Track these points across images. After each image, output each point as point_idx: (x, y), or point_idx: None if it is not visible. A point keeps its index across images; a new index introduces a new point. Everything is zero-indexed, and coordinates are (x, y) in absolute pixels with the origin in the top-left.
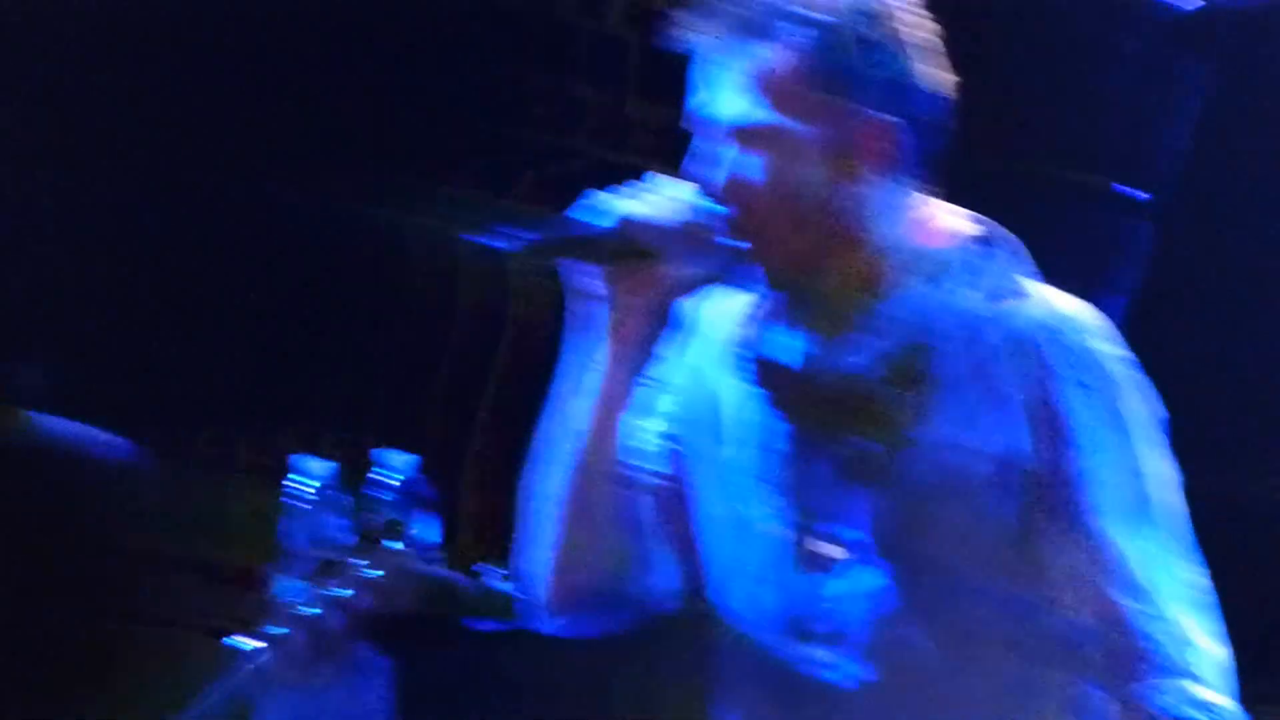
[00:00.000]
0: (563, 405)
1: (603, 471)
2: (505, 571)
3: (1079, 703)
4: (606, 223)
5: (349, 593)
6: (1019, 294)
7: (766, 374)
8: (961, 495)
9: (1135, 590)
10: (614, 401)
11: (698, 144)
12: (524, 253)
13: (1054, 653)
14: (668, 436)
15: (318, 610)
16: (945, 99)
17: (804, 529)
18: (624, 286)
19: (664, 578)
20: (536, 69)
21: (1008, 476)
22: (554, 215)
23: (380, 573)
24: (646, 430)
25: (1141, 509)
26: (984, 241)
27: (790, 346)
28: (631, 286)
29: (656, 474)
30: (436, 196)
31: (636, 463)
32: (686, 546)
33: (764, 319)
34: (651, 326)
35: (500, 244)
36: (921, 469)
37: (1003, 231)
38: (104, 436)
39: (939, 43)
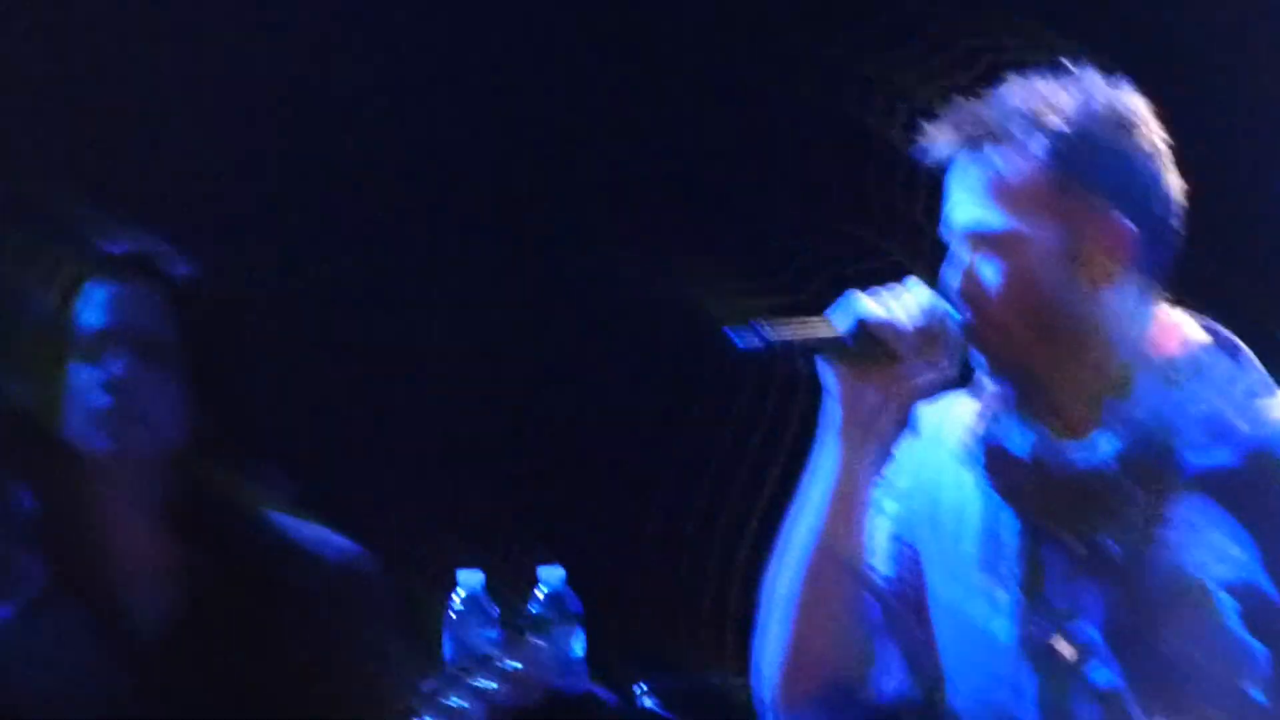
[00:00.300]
0: (804, 504)
1: (838, 571)
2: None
3: None
4: (849, 323)
5: (493, 685)
6: (1260, 402)
7: (1000, 469)
8: (1195, 599)
9: None
10: (850, 501)
11: (950, 251)
12: (769, 349)
13: None
14: (899, 537)
15: (465, 703)
16: (1180, 206)
17: (1039, 626)
18: (862, 386)
19: (895, 680)
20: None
21: (1241, 582)
22: (807, 315)
23: (520, 665)
24: (880, 530)
25: None
26: (1218, 348)
27: (1025, 442)
28: (869, 386)
29: (889, 575)
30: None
31: (870, 562)
32: (918, 649)
33: (997, 416)
34: (888, 427)
35: (750, 340)
36: (1157, 569)
37: (1232, 337)
38: (338, 539)
39: (1171, 152)
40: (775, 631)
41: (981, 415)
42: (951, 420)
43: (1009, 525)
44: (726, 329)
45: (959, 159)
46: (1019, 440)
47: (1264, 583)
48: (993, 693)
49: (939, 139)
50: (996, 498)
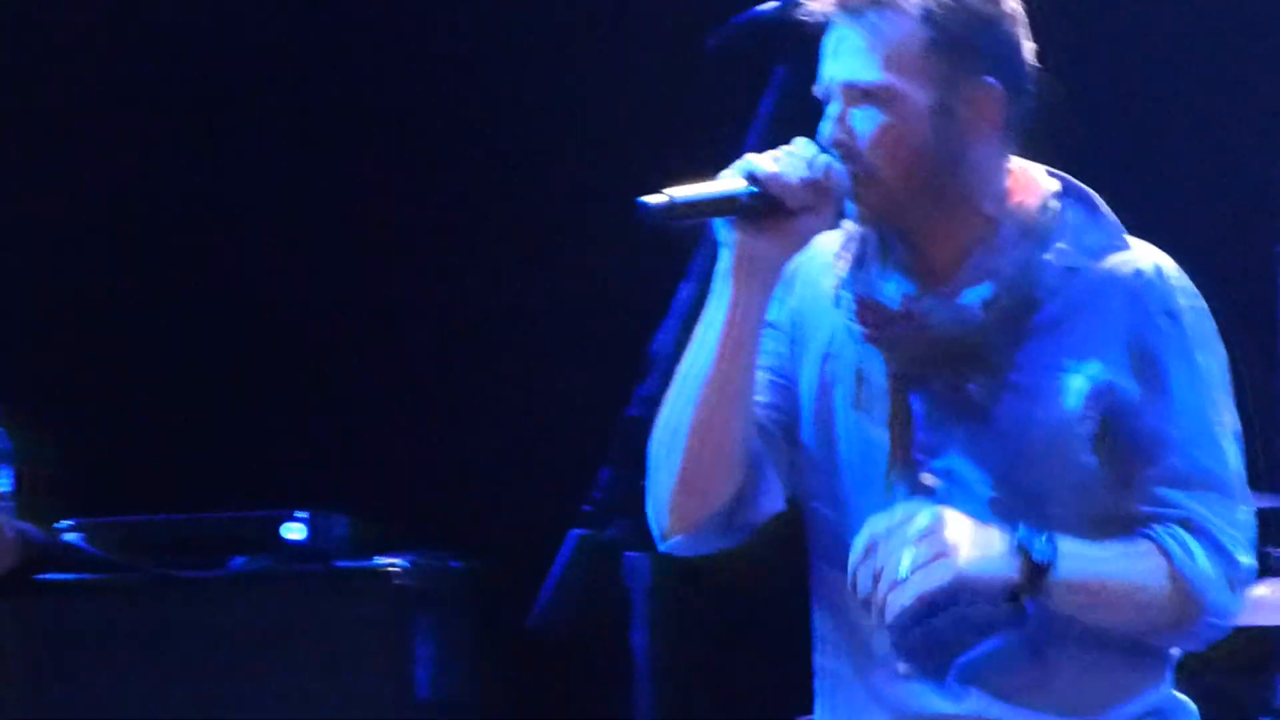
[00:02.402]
0: (698, 347)
1: (729, 405)
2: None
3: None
4: (742, 179)
5: None
6: (1113, 246)
7: (870, 317)
8: (1052, 436)
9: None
10: (741, 341)
11: (828, 108)
12: (669, 210)
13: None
14: (776, 369)
15: None
16: (1036, 68)
17: (906, 462)
18: (754, 237)
19: (772, 499)
20: None
21: (1095, 417)
22: (706, 178)
23: None
24: (761, 367)
25: (1212, 468)
26: (1068, 195)
27: (894, 292)
28: (761, 237)
29: (766, 402)
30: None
31: (755, 398)
32: (790, 470)
33: (863, 264)
34: (776, 274)
35: (658, 205)
36: (1016, 409)
37: (1081, 185)
38: None
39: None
40: (667, 466)
41: (849, 263)
42: (820, 265)
43: (878, 369)
44: (638, 199)
45: (837, 20)
46: (889, 291)
47: (1118, 412)
48: (860, 516)
49: (819, 2)
50: (867, 339)
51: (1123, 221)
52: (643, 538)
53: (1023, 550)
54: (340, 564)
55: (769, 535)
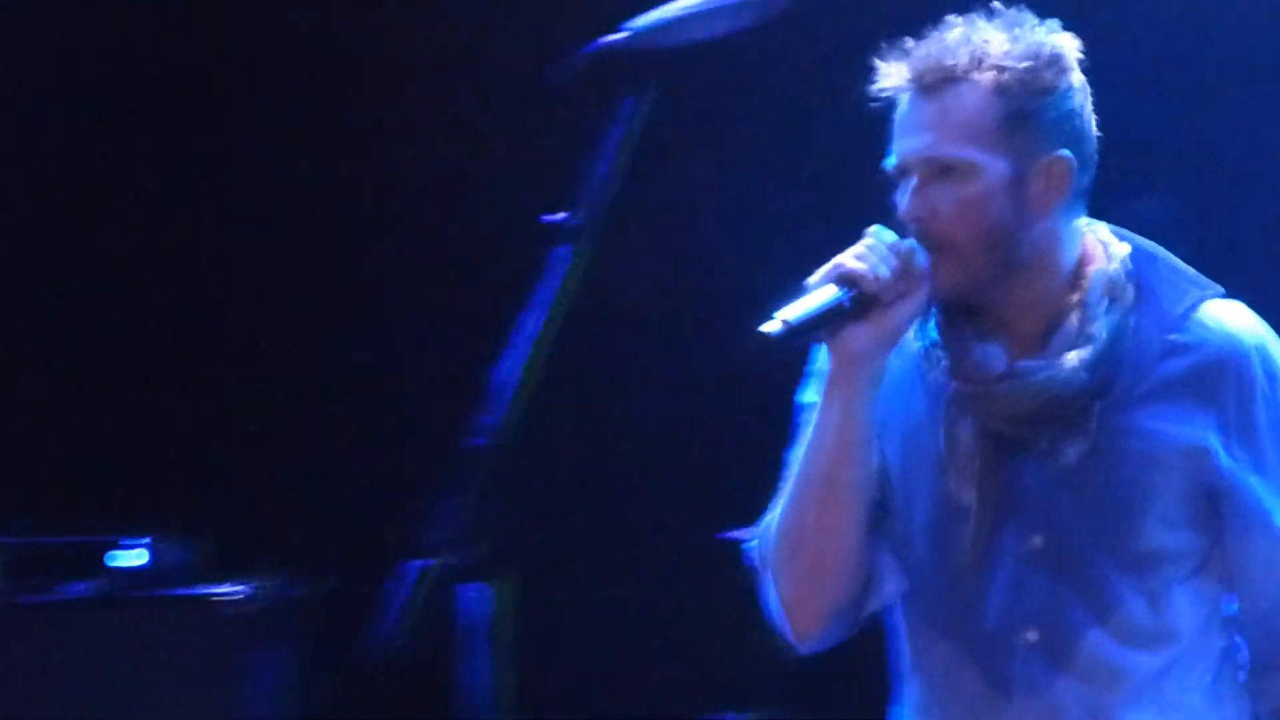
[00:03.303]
0: (814, 452)
1: (850, 505)
2: None
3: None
4: (835, 286)
5: None
6: (1203, 309)
7: (972, 371)
8: (1151, 501)
9: None
10: (856, 442)
11: (901, 182)
12: (789, 336)
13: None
14: (882, 457)
15: None
16: (1100, 136)
17: (1009, 525)
18: (853, 335)
19: (896, 584)
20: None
21: (1200, 476)
22: (799, 288)
23: None
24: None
25: None
26: (1141, 256)
27: (993, 353)
28: (860, 332)
29: (879, 494)
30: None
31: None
32: (899, 545)
33: (958, 331)
34: (880, 367)
35: (774, 334)
36: (1116, 474)
37: (1147, 243)
38: None
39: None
40: (793, 571)
41: (938, 329)
42: (907, 343)
43: (967, 433)
44: (759, 331)
45: (909, 96)
46: (988, 353)
47: (1213, 479)
48: (956, 591)
49: (892, 78)
50: (962, 409)
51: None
52: (480, 568)
53: None
54: (179, 591)
55: (610, 573)
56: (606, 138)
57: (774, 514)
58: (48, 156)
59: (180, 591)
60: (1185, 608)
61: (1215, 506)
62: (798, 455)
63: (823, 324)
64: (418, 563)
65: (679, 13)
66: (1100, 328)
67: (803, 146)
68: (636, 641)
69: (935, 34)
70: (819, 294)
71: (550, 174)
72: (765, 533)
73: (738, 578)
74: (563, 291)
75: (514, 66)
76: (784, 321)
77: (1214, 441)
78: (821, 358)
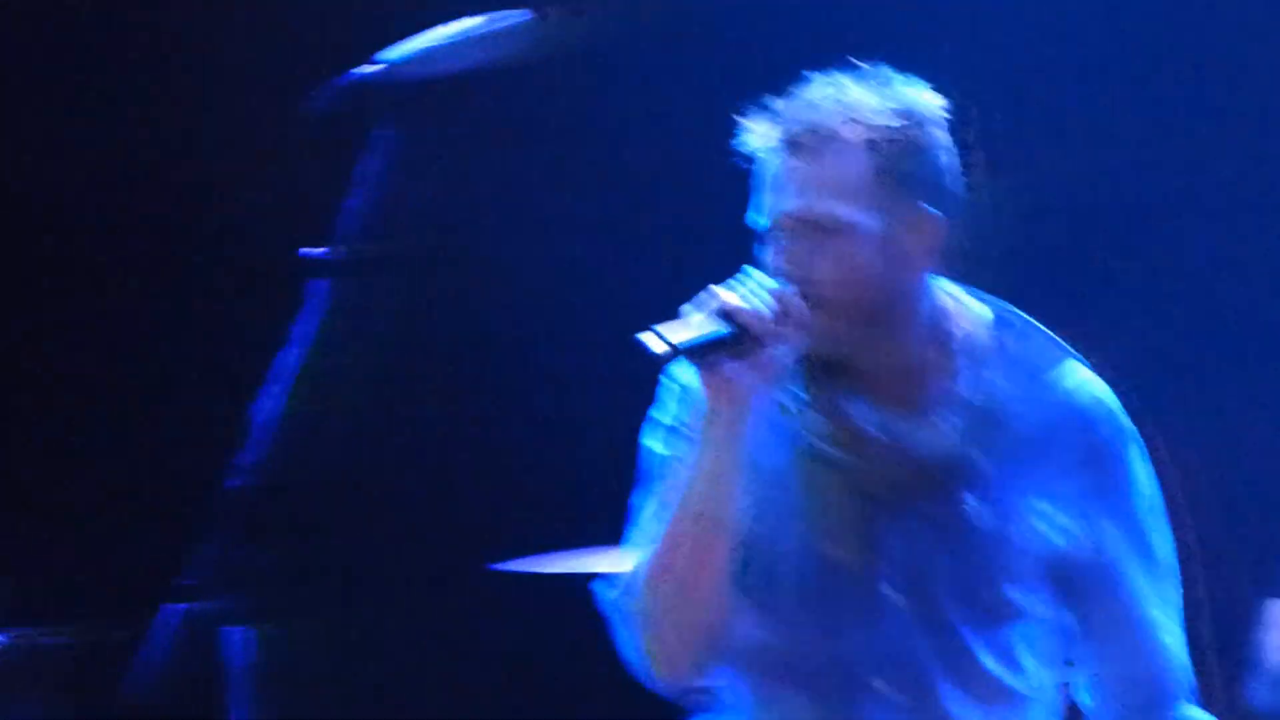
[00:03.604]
0: (688, 492)
1: (721, 544)
2: None
3: None
4: (716, 319)
5: None
6: (1063, 373)
7: (847, 436)
8: (1010, 560)
9: (1161, 651)
10: (729, 481)
11: (772, 238)
12: (672, 354)
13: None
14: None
15: None
16: (965, 196)
17: (869, 577)
18: (731, 374)
19: (748, 629)
20: None
21: (1050, 543)
22: (680, 310)
23: None
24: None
25: (1164, 578)
26: (1004, 319)
27: (863, 413)
28: (736, 372)
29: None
30: None
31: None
32: (766, 602)
33: (825, 388)
34: (750, 408)
35: (656, 350)
36: (993, 529)
37: (1008, 307)
38: None
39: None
40: (663, 612)
41: (806, 386)
42: (774, 399)
43: (836, 487)
44: (637, 338)
45: (778, 153)
46: (857, 413)
47: (1071, 544)
48: (826, 639)
49: (760, 136)
50: (833, 467)
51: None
52: (241, 612)
53: None
54: None
55: (374, 610)
56: (362, 170)
57: (638, 560)
58: None
59: None
60: (1036, 667)
61: (1072, 567)
62: (662, 502)
63: (705, 353)
64: (177, 607)
65: (432, 44)
66: (967, 389)
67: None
68: (400, 678)
69: (801, 92)
70: (700, 322)
71: (309, 208)
72: (630, 580)
73: (512, 608)
74: (324, 326)
75: (270, 100)
76: (668, 341)
77: (1073, 504)
78: (672, 407)
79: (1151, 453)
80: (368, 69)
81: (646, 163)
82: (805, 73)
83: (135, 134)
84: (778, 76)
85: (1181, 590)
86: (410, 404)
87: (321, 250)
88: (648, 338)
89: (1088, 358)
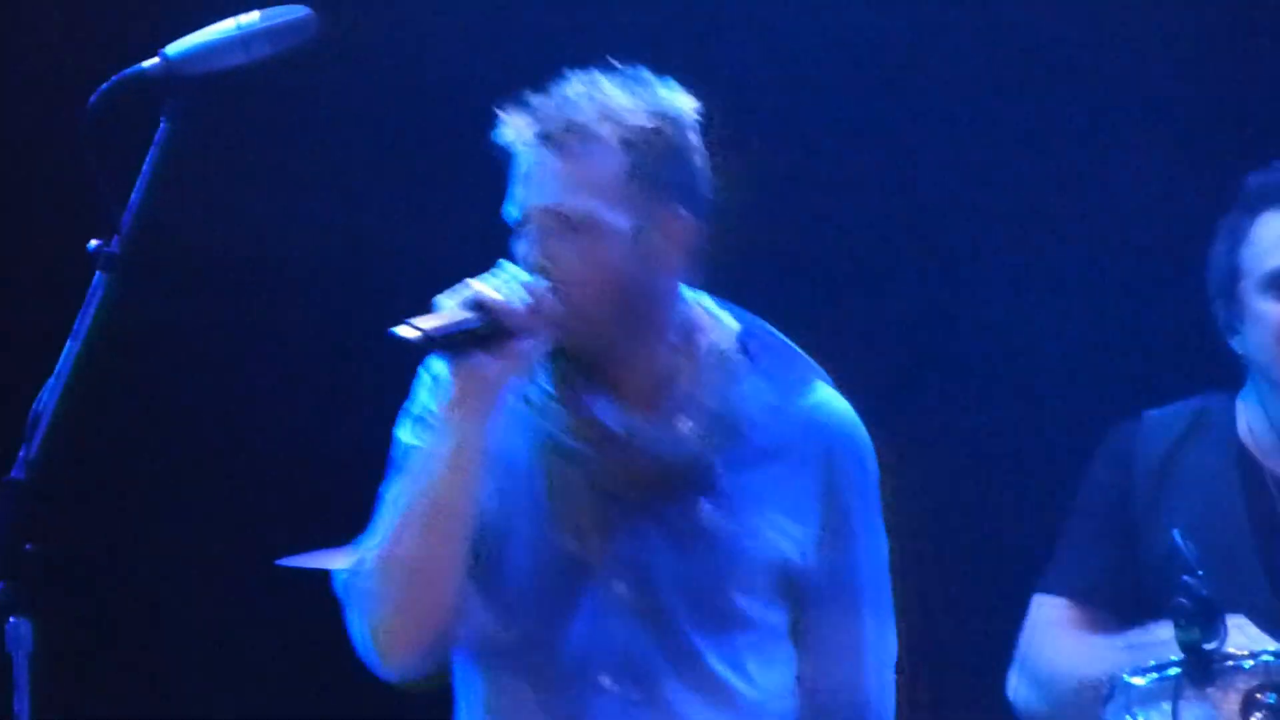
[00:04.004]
0: (427, 479)
1: (459, 532)
2: None
3: None
4: (468, 309)
5: None
6: (807, 390)
7: (592, 432)
8: (740, 568)
9: (872, 675)
10: (471, 470)
11: (525, 232)
12: (425, 343)
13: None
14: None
15: None
16: (715, 202)
17: (602, 573)
18: (481, 364)
19: (481, 620)
20: None
21: (784, 556)
22: (433, 302)
23: None
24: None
25: (882, 600)
26: (753, 331)
27: (607, 411)
28: (484, 362)
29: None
30: None
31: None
32: (498, 593)
33: (571, 382)
34: (498, 398)
35: (410, 339)
36: (709, 540)
37: (760, 322)
38: None
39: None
40: (395, 598)
41: (552, 380)
42: (524, 391)
43: (576, 483)
44: (391, 330)
45: (534, 147)
46: (600, 411)
47: (802, 558)
48: (556, 630)
49: (515, 129)
50: (574, 462)
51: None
52: (25, 601)
53: None
54: None
55: (155, 600)
56: (144, 163)
57: (372, 544)
58: None
59: None
60: (765, 676)
61: (799, 581)
62: (402, 488)
63: (456, 342)
64: None
65: (212, 39)
66: (712, 397)
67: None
68: (184, 669)
69: (557, 88)
70: (452, 313)
71: (94, 199)
72: (361, 563)
73: (304, 602)
74: (98, 318)
75: (56, 89)
76: (421, 330)
77: (808, 521)
78: (422, 398)
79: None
80: (150, 62)
81: (416, 156)
82: (563, 70)
83: None
84: (538, 73)
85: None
86: (187, 397)
87: (101, 243)
88: (401, 329)
89: (834, 370)
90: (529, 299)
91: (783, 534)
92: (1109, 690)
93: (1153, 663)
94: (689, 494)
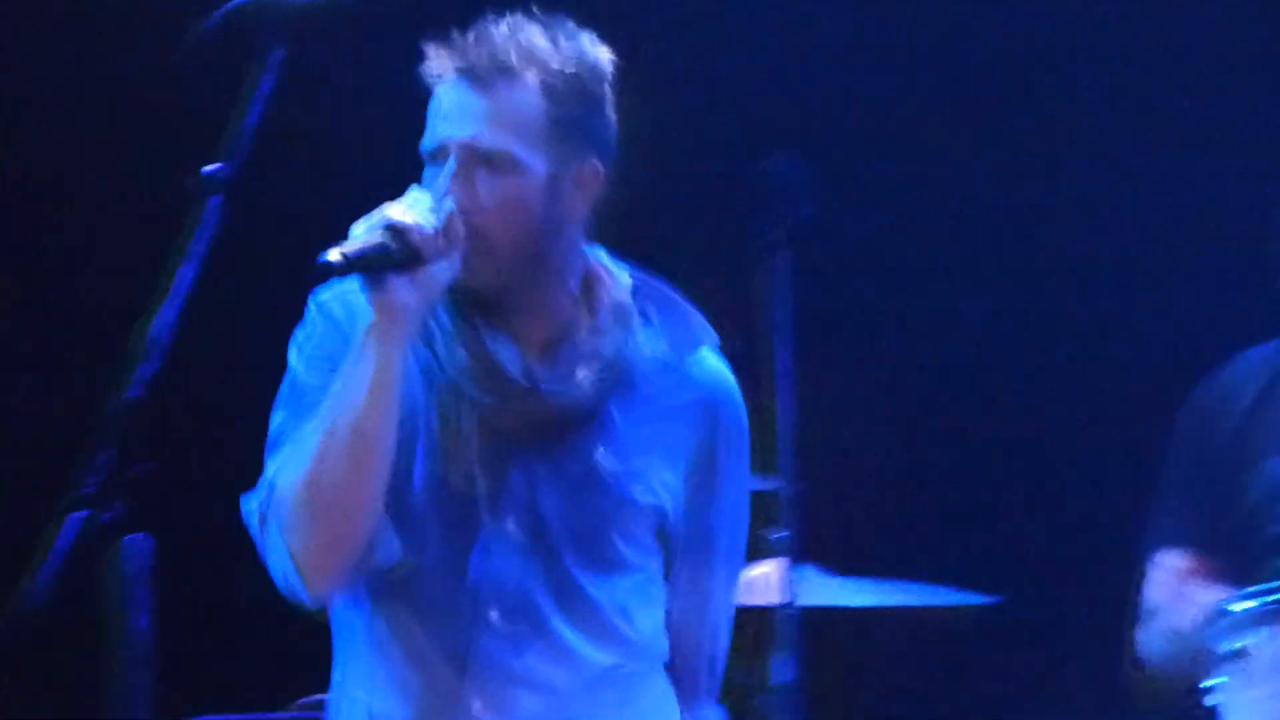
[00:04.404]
0: (342, 405)
1: (378, 460)
2: None
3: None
4: (382, 232)
5: None
6: (695, 348)
7: (491, 379)
8: (621, 514)
9: (717, 627)
10: (390, 396)
11: (439, 163)
12: (345, 267)
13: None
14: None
15: None
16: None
17: (493, 512)
18: (396, 289)
19: (389, 552)
20: None
21: (663, 504)
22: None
23: None
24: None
25: (736, 552)
26: (647, 287)
27: (507, 355)
28: (400, 287)
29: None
30: None
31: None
32: (398, 524)
33: (471, 321)
34: (416, 324)
35: (332, 261)
36: (595, 485)
37: (653, 278)
38: None
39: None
40: (314, 525)
41: (452, 318)
42: (426, 323)
43: (467, 418)
44: (319, 258)
45: (454, 82)
46: (502, 354)
47: (679, 507)
48: (431, 565)
49: (439, 63)
50: (468, 400)
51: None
52: (140, 520)
53: None
54: None
55: None
56: (250, 91)
57: (279, 470)
58: None
59: None
60: (644, 613)
61: (669, 529)
62: (318, 415)
63: (372, 264)
64: (77, 515)
65: None
66: (607, 347)
67: None
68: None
69: (481, 27)
70: (370, 237)
71: (205, 127)
72: (270, 490)
73: None
74: (211, 241)
75: (163, 24)
76: (342, 254)
77: (679, 472)
78: (317, 329)
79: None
80: None
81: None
82: (488, 11)
83: (40, 61)
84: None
85: None
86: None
87: (216, 166)
88: (329, 255)
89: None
90: (439, 223)
91: (663, 484)
92: (1213, 617)
93: (1255, 589)
94: (582, 439)
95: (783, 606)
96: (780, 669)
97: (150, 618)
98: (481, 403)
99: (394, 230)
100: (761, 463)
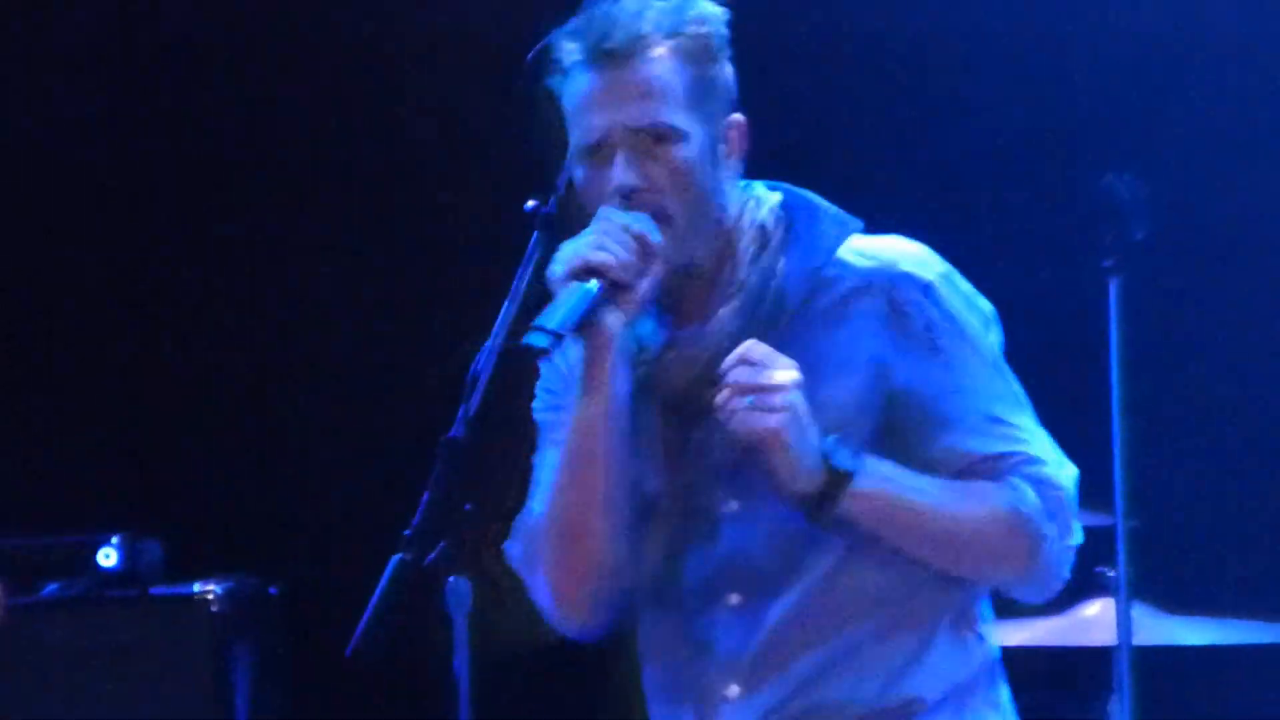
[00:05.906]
0: (582, 437)
1: (621, 486)
2: None
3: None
4: (584, 275)
5: None
6: (837, 243)
7: (638, 362)
8: (837, 420)
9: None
10: (621, 421)
11: (602, 159)
12: (556, 342)
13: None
14: None
15: None
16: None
17: (691, 500)
18: (603, 320)
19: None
20: None
21: (878, 403)
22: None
23: None
24: None
25: (994, 421)
26: (791, 202)
27: (652, 329)
28: (609, 317)
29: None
30: None
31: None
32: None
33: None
34: (627, 340)
35: (542, 345)
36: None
37: (798, 190)
38: None
39: None
40: (570, 558)
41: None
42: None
43: (645, 411)
44: (524, 342)
45: (597, 70)
46: (646, 331)
47: (884, 380)
48: (661, 565)
49: (569, 54)
50: (637, 393)
51: (954, 239)
52: (464, 561)
53: (825, 458)
54: (155, 590)
55: None
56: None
57: (535, 511)
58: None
59: (159, 590)
60: (879, 572)
61: (906, 418)
62: (552, 454)
63: (586, 320)
64: (400, 557)
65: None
66: (748, 274)
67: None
68: None
69: (596, 11)
70: (569, 293)
71: (527, 162)
72: (527, 531)
73: None
74: (534, 278)
75: (490, 58)
76: (548, 331)
77: (878, 362)
78: (549, 373)
79: None
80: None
81: None
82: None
83: (370, 95)
84: None
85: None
86: None
87: (537, 203)
88: (532, 336)
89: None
90: (635, 243)
91: (862, 390)
92: None
93: None
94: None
95: (1117, 646)
96: (1116, 711)
97: (470, 662)
98: (648, 382)
99: (593, 272)
100: (1092, 499)
